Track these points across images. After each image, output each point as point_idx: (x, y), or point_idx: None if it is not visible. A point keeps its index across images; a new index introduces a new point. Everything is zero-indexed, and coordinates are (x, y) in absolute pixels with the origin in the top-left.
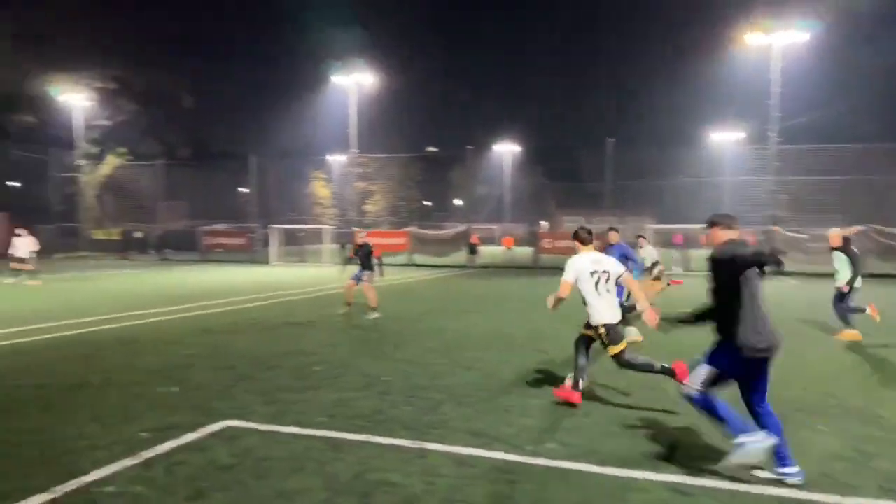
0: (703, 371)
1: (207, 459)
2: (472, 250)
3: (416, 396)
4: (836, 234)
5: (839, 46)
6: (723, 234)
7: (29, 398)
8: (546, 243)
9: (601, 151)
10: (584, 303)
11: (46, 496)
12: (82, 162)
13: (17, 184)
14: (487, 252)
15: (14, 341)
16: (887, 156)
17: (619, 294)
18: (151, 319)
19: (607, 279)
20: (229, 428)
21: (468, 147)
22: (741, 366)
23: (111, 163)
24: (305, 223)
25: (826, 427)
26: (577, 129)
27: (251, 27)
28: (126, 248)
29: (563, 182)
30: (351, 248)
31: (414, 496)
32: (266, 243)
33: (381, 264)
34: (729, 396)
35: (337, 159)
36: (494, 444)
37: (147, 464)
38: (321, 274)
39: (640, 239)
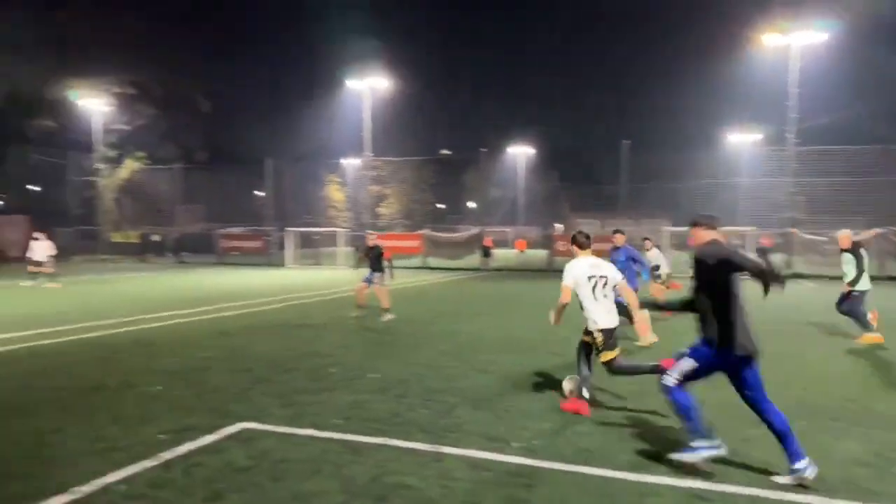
0: (686, 364)
1: (224, 461)
2: (486, 253)
3: (432, 399)
4: (845, 235)
5: (858, 47)
6: (705, 234)
7: (49, 400)
8: (561, 246)
9: (616, 153)
10: (581, 308)
11: (67, 497)
12: (101, 166)
13: (37, 188)
14: (501, 255)
15: (34, 343)
16: None
17: (632, 278)
18: (169, 322)
19: (605, 284)
20: (246, 430)
21: (482, 150)
22: (723, 364)
23: (129, 166)
24: (320, 226)
25: (847, 431)
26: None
27: (267, 33)
28: (144, 251)
29: (578, 184)
30: (362, 250)
31: (430, 500)
32: (282, 246)
33: (390, 267)
34: (727, 397)
35: (351, 163)
36: (510, 447)
37: (166, 465)
38: (336, 276)
39: (646, 241)
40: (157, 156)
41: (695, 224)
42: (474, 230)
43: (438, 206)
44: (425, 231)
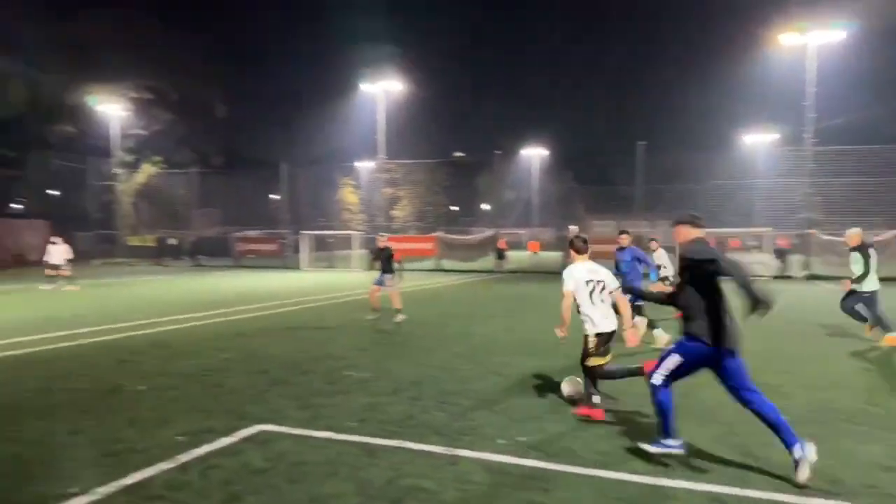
0: (671, 361)
1: (241, 463)
2: (500, 255)
3: (447, 402)
4: (855, 233)
5: (876, 46)
6: (689, 232)
7: (67, 401)
8: None
9: (631, 154)
10: (579, 312)
11: (87, 498)
12: (119, 170)
13: (57, 192)
14: (515, 257)
15: (52, 346)
16: None
17: (637, 279)
18: (185, 325)
19: (602, 289)
20: (263, 432)
21: (496, 152)
22: (710, 359)
23: (146, 171)
24: (335, 229)
25: (870, 435)
26: (606, 132)
27: (282, 38)
28: (161, 255)
29: (593, 186)
30: (374, 253)
31: (446, 503)
32: (297, 249)
33: (400, 269)
34: (724, 402)
35: (365, 166)
36: (526, 451)
37: (183, 467)
38: (350, 279)
39: (652, 242)
40: (173, 160)
41: (678, 222)
42: (488, 232)
43: (452, 208)
44: (439, 233)
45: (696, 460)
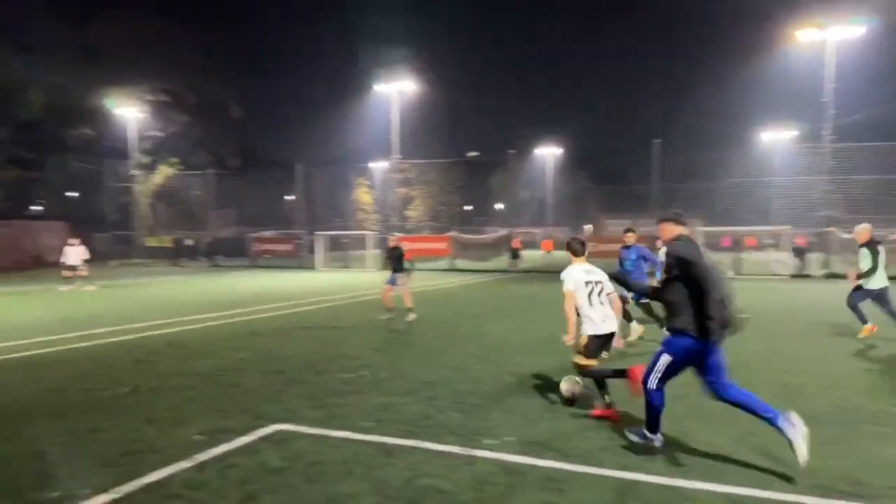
0: (663, 362)
1: (258, 462)
2: (514, 255)
3: (462, 402)
4: (864, 229)
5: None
6: (673, 229)
7: (86, 401)
8: (590, 246)
9: (647, 153)
10: (578, 314)
11: (108, 497)
12: (136, 172)
13: (76, 194)
14: (529, 256)
15: (71, 346)
16: None
17: (641, 277)
18: (202, 325)
19: (601, 290)
20: (279, 431)
21: (510, 151)
22: (698, 353)
23: (163, 173)
24: (349, 229)
25: (893, 436)
26: (621, 130)
27: (296, 39)
28: (178, 255)
29: (607, 184)
30: (386, 252)
31: None
32: (312, 249)
33: (410, 268)
34: (717, 406)
35: (379, 166)
36: (543, 451)
37: (201, 466)
38: (365, 279)
39: (658, 240)
40: (190, 162)
41: (663, 220)
42: (502, 231)
43: (466, 207)
44: (453, 233)
45: (714, 461)
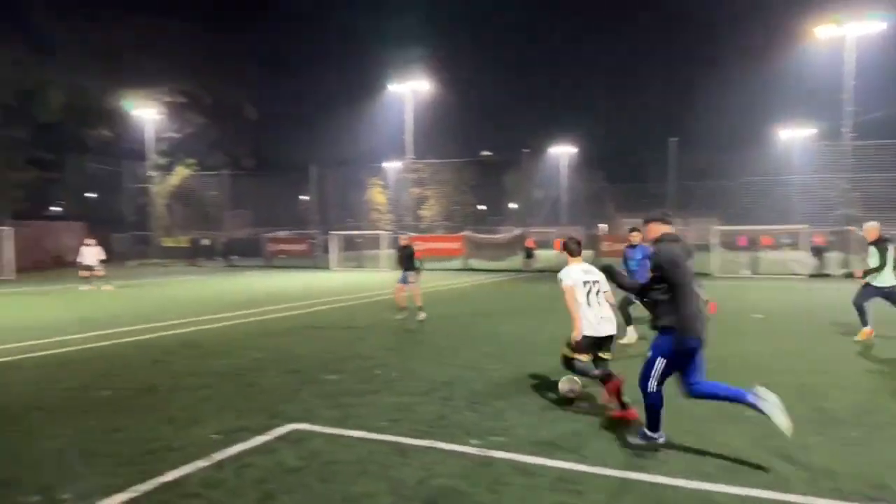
0: (658, 366)
1: (275, 462)
2: (529, 254)
3: (477, 402)
4: (873, 227)
5: None
6: (658, 228)
7: (105, 400)
8: (606, 246)
9: (663, 151)
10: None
11: (126, 496)
12: (153, 173)
13: (94, 195)
14: (543, 256)
15: (89, 346)
16: None
17: (645, 277)
18: (219, 324)
19: (598, 290)
20: (296, 431)
21: (524, 150)
22: (686, 350)
23: (180, 174)
24: (363, 229)
25: None
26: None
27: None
28: (194, 255)
29: (623, 183)
30: (399, 252)
31: None
32: (326, 249)
33: (420, 267)
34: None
35: (393, 166)
36: (559, 452)
37: (218, 465)
38: (379, 279)
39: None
40: (206, 163)
41: (650, 220)
42: (516, 231)
43: (479, 207)
44: (467, 233)
45: (732, 463)
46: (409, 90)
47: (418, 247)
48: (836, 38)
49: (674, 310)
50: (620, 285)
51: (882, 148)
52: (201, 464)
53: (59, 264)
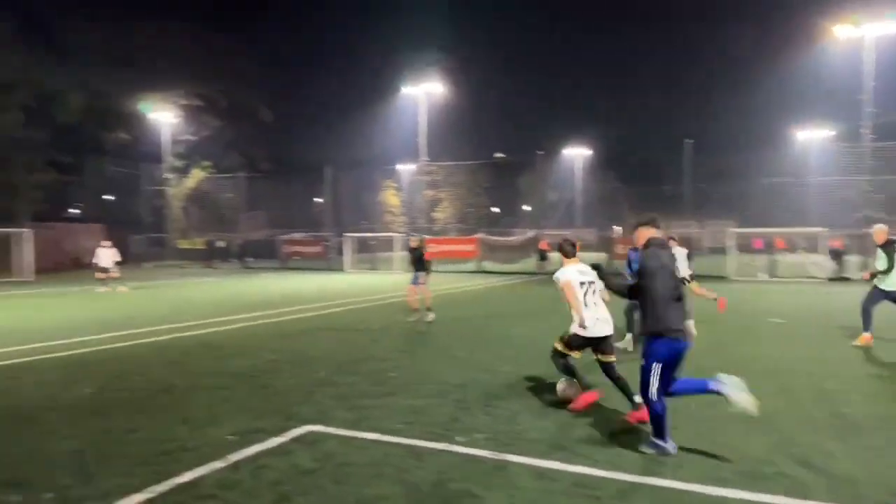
0: (656, 372)
1: (290, 464)
2: (542, 256)
3: (492, 405)
4: (881, 230)
5: None
6: (646, 233)
7: (123, 400)
8: (621, 248)
9: (678, 153)
10: (571, 313)
11: (144, 495)
12: (169, 175)
13: (112, 197)
14: (557, 258)
15: (108, 346)
16: None
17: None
18: (234, 325)
19: (594, 291)
20: (311, 433)
21: (538, 152)
22: (676, 354)
23: (196, 176)
24: (377, 231)
25: None
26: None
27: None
28: (210, 257)
29: (638, 186)
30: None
31: None
32: (340, 251)
33: (428, 269)
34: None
35: (407, 168)
36: (574, 457)
37: (234, 467)
38: (392, 281)
39: (670, 241)
40: (222, 165)
41: (639, 224)
42: (530, 233)
43: (493, 209)
44: (480, 235)
45: (754, 469)
46: (423, 92)
47: (431, 249)
48: (855, 38)
49: (658, 314)
50: (608, 285)
51: None
52: (217, 465)
53: (77, 266)
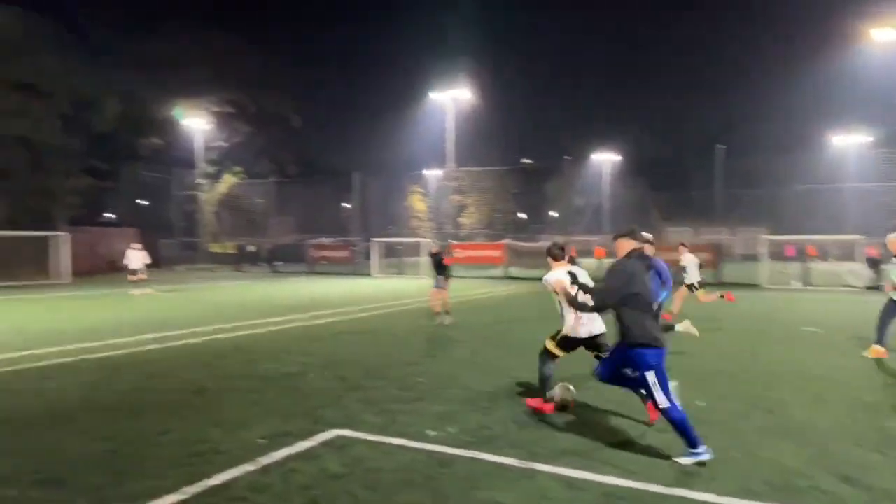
0: (653, 381)
1: (319, 468)
2: (571, 262)
3: (520, 413)
4: (893, 240)
5: None
6: (626, 245)
7: (156, 402)
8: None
9: (709, 159)
10: (561, 316)
11: (177, 496)
12: (202, 181)
13: (146, 202)
14: (585, 264)
15: (142, 348)
16: None
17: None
18: (265, 329)
19: (584, 292)
20: (340, 437)
21: (565, 157)
22: (662, 358)
23: (227, 181)
24: (404, 236)
25: None
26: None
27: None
28: (240, 261)
29: (667, 191)
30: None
31: None
32: (367, 256)
33: (449, 273)
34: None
35: (434, 173)
36: (604, 467)
37: (264, 470)
38: (419, 285)
39: (681, 247)
40: (252, 171)
41: (619, 236)
42: (557, 239)
43: (520, 215)
44: (507, 241)
45: (788, 482)
46: (451, 98)
47: (457, 254)
48: (893, 41)
49: (638, 324)
50: (571, 302)
51: None
52: (248, 468)
53: (112, 269)
